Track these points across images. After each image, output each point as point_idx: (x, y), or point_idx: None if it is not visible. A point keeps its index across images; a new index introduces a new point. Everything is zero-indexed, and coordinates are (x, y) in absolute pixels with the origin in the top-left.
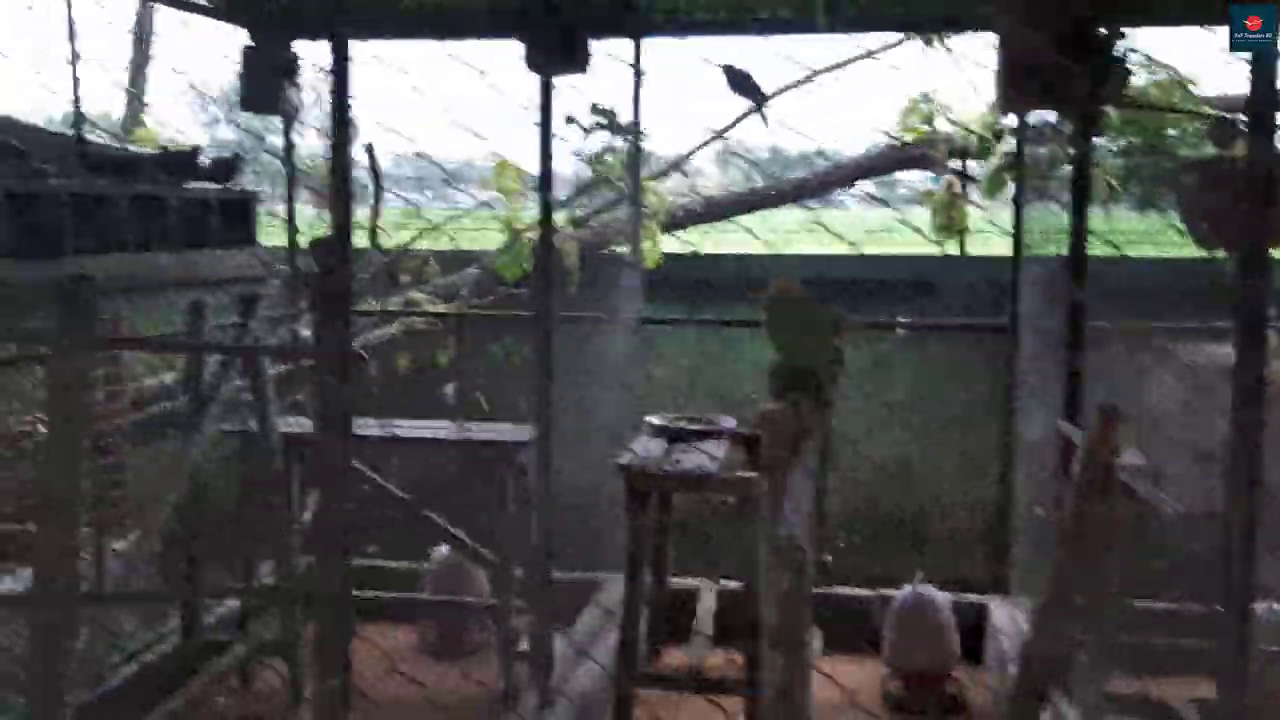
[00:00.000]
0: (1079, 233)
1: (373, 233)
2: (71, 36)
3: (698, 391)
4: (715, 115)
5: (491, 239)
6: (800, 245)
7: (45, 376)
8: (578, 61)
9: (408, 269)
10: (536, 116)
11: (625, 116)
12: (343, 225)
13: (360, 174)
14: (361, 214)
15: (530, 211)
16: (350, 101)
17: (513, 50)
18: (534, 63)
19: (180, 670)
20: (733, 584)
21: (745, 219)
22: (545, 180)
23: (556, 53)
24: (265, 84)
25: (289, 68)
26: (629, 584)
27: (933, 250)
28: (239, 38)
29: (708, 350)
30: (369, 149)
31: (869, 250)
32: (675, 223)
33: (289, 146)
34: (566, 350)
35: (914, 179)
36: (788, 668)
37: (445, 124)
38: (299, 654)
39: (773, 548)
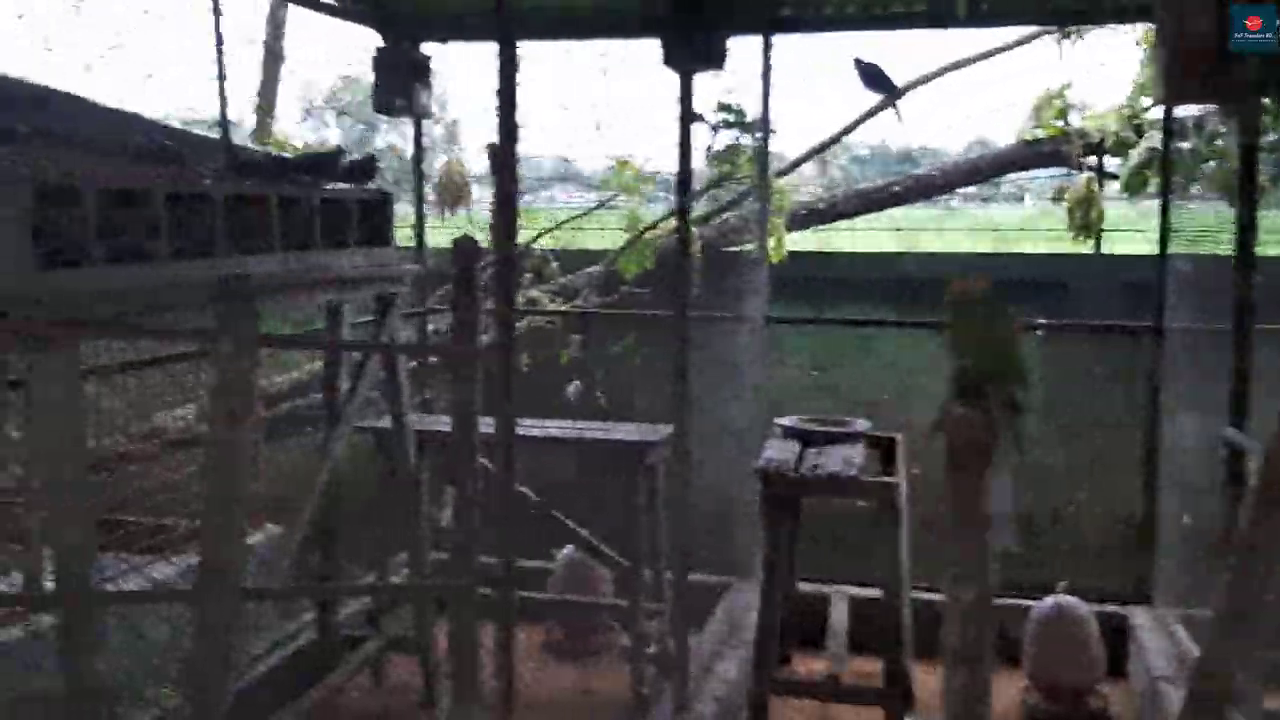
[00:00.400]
0: (1247, 229)
1: (493, 230)
2: (219, 45)
3: (818, 391)
4: (819, 112)
5: (608, 238)
6: (925, 244)
7: (209, 373)
8: (715, 59)
9: (529, 268)
10: (653, 115)
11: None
12: (508, 227)
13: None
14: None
15: (650, 210)
16: (517, 104)
17: (625, 49)
18: (673, 61)
19: (316, 665)
20: (866, 591)
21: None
22: (684, 178)
23: (697, 51)
24: (398, 85)
25: (421, 69)
26: (765, 588)
27: (1062, 249)
28: (343, 41)
29: (828, 350)
30: (490, 149)
31: (992, 249)
32: (796, 220)
33: (419, 147)
34: (691, 349)
35: (1018, 177)
36: (969, 685)
37: (548, 123)
38: (432, 651)
39: (956, 559)
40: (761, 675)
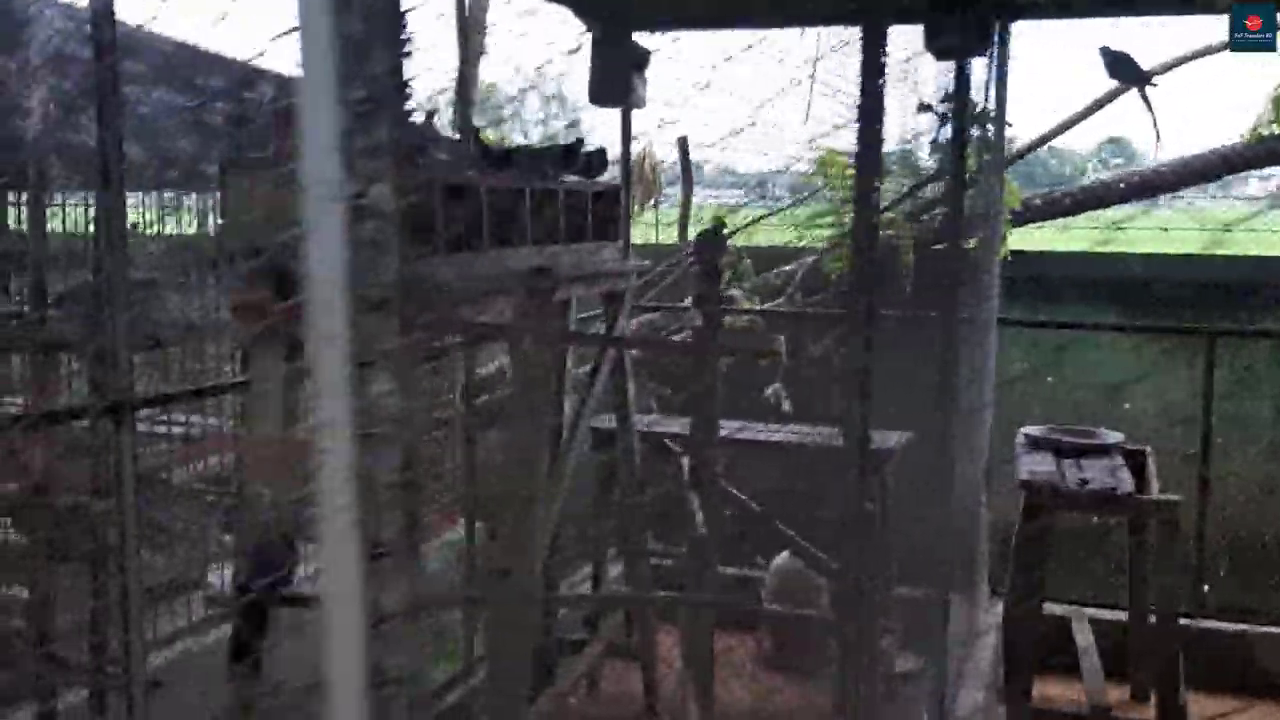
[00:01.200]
0: None
1: (683, 227)
2: (463, 41)
3: (1033, 397)
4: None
5: (790, 236)
6: (1145, 244)
7: (512, 366)
8: (984, 43)
9: (725, 265)
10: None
11: None
12: (869, 230)
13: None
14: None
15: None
16: (883, 93)
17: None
18: (939, 47)
19: (537, 669)
20: (1105, 612)
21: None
22: (959, 174)
23: (968, 33)
24: (615, 77)
25: (641, 61)
26: (1017, 608)
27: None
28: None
29: (1041, 354)
30: (682, 143)
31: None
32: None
33: (627, 142)
34: (910, 352)
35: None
36: None
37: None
38: (653, 658)
39: None
40: (1016, 703)
